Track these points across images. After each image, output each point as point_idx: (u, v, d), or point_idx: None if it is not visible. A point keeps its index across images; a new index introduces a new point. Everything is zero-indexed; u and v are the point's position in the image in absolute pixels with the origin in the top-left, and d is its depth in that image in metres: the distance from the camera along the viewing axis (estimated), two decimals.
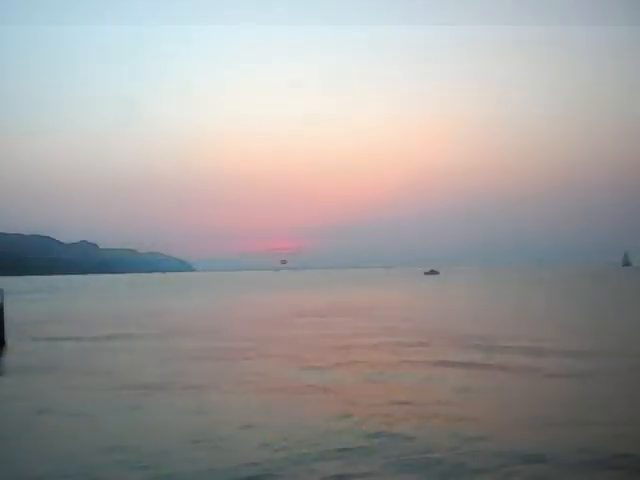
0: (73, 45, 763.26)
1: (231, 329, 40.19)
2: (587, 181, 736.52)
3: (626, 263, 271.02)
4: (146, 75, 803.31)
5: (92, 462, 12.49)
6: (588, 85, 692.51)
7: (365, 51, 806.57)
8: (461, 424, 14.84)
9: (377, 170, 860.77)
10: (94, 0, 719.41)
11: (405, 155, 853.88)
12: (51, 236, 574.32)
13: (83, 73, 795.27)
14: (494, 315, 47.18)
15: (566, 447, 12.88)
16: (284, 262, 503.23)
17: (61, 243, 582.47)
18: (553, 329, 36.31)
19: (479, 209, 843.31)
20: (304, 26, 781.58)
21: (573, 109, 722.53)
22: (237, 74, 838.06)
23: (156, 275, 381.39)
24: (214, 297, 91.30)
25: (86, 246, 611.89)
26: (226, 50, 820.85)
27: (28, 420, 16.31)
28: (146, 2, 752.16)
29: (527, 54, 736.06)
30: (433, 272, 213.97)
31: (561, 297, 71.00)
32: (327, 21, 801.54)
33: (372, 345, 29.99)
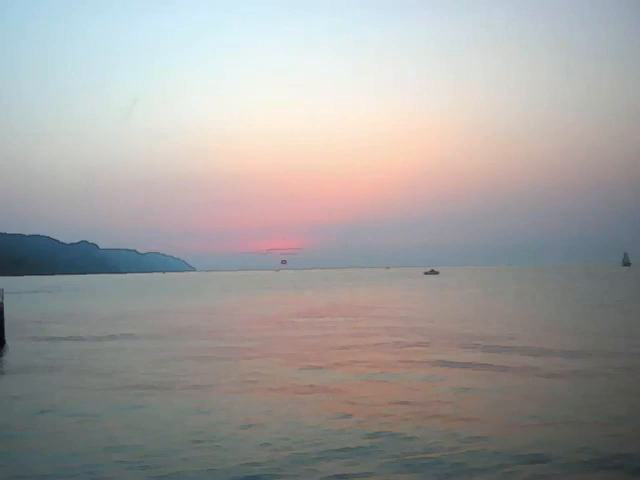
0: (73, 45, 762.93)
1: (231, 329, 40.18)
2: (587, 181, 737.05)
3: (626, 263, 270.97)
4: (148, 76, 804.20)
5: (93, 462, 12.51)
6: (588, 87, 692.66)
7: (365, 52, 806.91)
8: (461, 424, 14.86)
9: (378, 171, 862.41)
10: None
11: (405, 156, 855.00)
12: (51, 236, 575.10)
13: (83, 74, 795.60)
14: (493, 315, 47.16)
15: (566, 447, 12.90)
16: (284, 262, 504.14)
17: (61, 243, 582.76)
18: (552, 329, 36.31)
19: (479, 210, 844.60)
20: (305, 26, 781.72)
21: (573, 111, 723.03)
22: (238, 75, 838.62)
23: (157, 275, 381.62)
24: (214, 297, 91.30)
25: (86, 246, 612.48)
26: (227, 51, 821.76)
27: (29, 420, 16.32)
28: (148, 2, 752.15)
29: (529, 55, 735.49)
30: (433, 272, 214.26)
31: (560, 297, 71.00)
32: (327, 21, 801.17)
33: (372, 345, 30.02)
